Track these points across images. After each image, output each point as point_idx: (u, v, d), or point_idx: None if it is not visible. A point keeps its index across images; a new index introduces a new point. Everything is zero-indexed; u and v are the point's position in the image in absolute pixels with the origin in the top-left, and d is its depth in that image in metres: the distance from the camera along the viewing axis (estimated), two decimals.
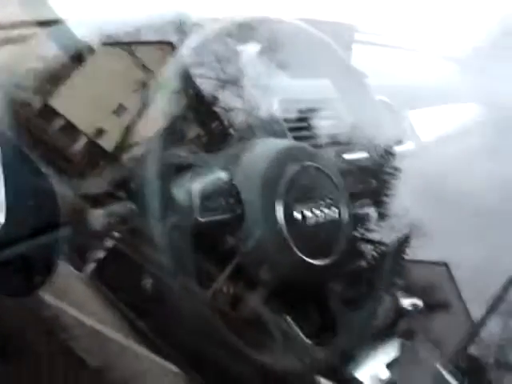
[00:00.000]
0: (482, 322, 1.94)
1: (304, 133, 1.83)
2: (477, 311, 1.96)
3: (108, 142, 1.59)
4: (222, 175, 1.44)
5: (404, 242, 1.92)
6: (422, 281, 1.96)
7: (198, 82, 1.69)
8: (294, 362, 1.44)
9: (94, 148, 1.58)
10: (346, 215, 1.52)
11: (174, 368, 1.43)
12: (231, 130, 1.73)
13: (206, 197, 1.39)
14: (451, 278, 2.02)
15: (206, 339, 1.39)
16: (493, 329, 1.95)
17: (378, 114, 2.00)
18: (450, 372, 1.74)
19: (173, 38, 1.67)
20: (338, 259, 1.49)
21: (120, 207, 1.41)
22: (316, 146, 1.80)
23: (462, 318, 2.00)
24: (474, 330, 1.95)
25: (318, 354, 1.50)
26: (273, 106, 1.78)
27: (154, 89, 1.58)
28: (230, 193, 1.42)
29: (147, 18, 1.69)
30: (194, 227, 1.38)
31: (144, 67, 1.67)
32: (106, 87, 1.63)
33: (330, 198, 1.50)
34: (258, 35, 1.77)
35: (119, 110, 1.63)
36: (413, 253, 1.92)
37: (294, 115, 1.83)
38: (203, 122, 1.69)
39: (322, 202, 1.48)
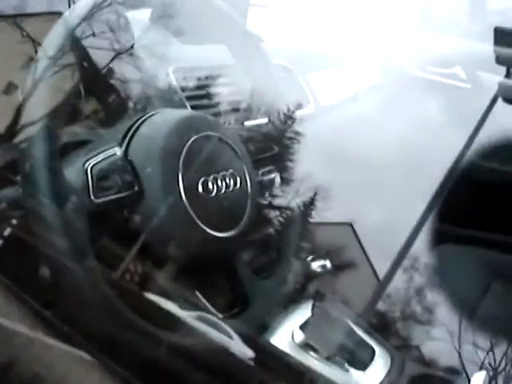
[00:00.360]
0: (387, 279, 1.97)
1: (203, 101, 1.79)
2: (382, 268, 1.99)
3: None
4: (117, 150, 1.37)
5: (309, 205, 1.92)
6: (328, 242, 1.97)
7: (91, 53, 1.62)
8: (206, 339, 1.42)
9: None
10: (249, 185, 1.50)
11: (86, 356, 1.38)
12: (129, 103, 1.68)
13: (100, 175, 1.33)
14: (356, 237, 2.05)
15: (114, 323, 1.35)
16: (398, 284, 1.98)
17: (277, 79, 1.98)
18: (363, 328, 1.77)
19: (62, 8, 1.59)
20: (245, 230, 1.46)
21: (10, 192, 1.33)
22: (216, 114, 1.77)
23: (368, 276, 2.02)
24: (380, 287, 1.98)
25: (232, 327, 1.48)
26: (169, 74, 1.73)
27: (45, 63, 1.50)
28: (126, 169, 1.36)
29: None
30: (90, 208, 1.31)
31: (33, 41, 1.58)
32: None
33: (233, 168, 1.47)
34: (150, 1, 1.71)
35: (9, 88, 1.55)
36: (317, 215, 1.93)
37: (191, 83, 1.79)
38: (99, 95, 1.62)
39: (224, 173, 1.45)
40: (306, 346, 1.63)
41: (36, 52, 1.56)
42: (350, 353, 1.68)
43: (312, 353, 1.64)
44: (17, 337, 1.35)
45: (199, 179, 1.39)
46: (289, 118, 1.94)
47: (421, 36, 2.44)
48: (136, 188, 1.35)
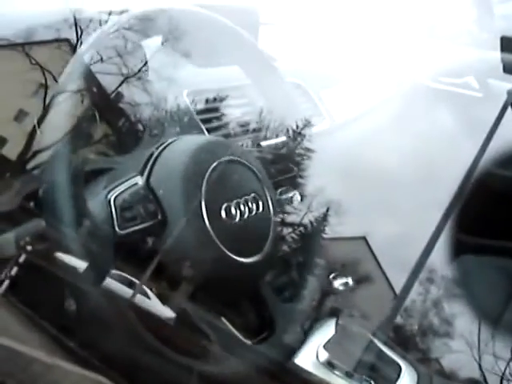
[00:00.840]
0: (404, 293, 1.96)
1: (219, 124, 1.78)
2: (398, 282, 1.97)
3: (11, 151, 1.51)
4: (138, 180, 1.37)
5: (323, 220, 1.91)
6: (343, 257, 1.95)
7: (100, 78, 1.62)
8: (234, 366, 1.40)
9: None
10: (271, 208, 1.49)
11: (105, 381, 1.37)
12: (140, 126, 1.67)
13: (123, 206, 1.32)
14: (371, 251, 2.03)
15: (134, 348, 1.34)
16: (415, 296, 1.96)
17: (291, 97, 1.97)
18: (384, 342, 1.75)
19: (69, 35, 1.59)
20: (269, 254, 1.45)
21: (31, 226, 1.33)
22: (232, 136, 1.76)
23: (384, 290, 2.00)
24: (398, 301, 1.96)
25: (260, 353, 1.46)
26: (183, 97, 1.72)
27: (55, 89, 1.49)
28: (148, 198, 1.35)
29: (39, 16, 1.60)
30: (115, 240, 1.31)
31: (42, 68, 1.58)
32: (2, 93, 1.54)
33: (255, 192, 1.46)
34: (160, 26, 1.70)
35: (20, 115, 1.55)
36: (331, 230, 1.92)
37: (206, 106, 1.78)
38: (109, 120, 1.61)
39: (246, 197, 1.44)
40: (330, 365, 1.62)
41: (45, 79, 1.56)
42: (376, 370, 1.66)
43: (337, 372, 1.62)
44: (35, 364, 1.34)
45: (222, 205, 1.38)
46: (304, 135, 1.93)
47: (431, 47, 2.43)
48: (159, 217, 1.35)
